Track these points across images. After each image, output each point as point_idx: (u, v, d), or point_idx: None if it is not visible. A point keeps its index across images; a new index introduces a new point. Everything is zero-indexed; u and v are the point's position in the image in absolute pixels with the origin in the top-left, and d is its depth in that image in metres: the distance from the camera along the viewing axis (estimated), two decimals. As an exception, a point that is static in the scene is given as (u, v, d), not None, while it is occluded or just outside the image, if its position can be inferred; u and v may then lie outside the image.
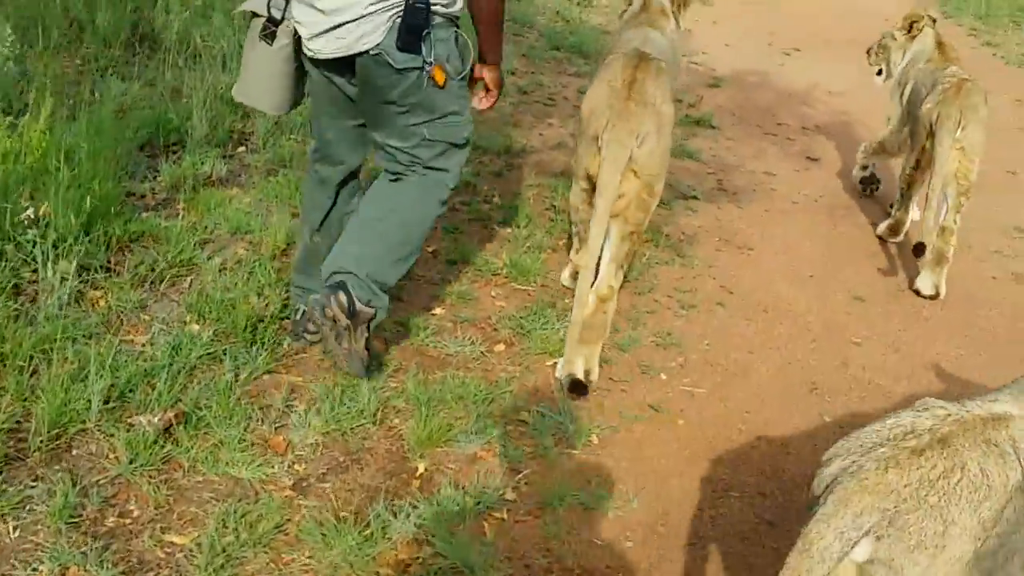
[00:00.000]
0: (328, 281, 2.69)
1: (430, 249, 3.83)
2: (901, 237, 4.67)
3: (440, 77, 2.63)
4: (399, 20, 2.55)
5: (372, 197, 2.83)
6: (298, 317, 3.03)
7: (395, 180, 2.81)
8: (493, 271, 3.84)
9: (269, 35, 2.68)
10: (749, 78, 7.39)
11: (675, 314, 3.80)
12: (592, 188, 3.15)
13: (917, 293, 4.25)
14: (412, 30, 2.55)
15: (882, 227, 4.74)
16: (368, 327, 2.73)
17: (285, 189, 4.00)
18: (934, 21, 4.75)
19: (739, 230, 4.65)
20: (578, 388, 3.11)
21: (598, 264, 3.21)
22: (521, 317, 3.53)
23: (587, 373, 3.15)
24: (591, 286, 3.16)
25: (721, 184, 5.20)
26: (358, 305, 2.66)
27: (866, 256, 4.60)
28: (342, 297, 2.64)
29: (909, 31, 4.78)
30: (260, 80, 2.79)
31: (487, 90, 2.90)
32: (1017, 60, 9.21)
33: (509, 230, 4.17)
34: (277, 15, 2.66)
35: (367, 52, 2.58)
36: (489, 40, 2.78)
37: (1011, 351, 3.93)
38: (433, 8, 2.59)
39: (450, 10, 2.66)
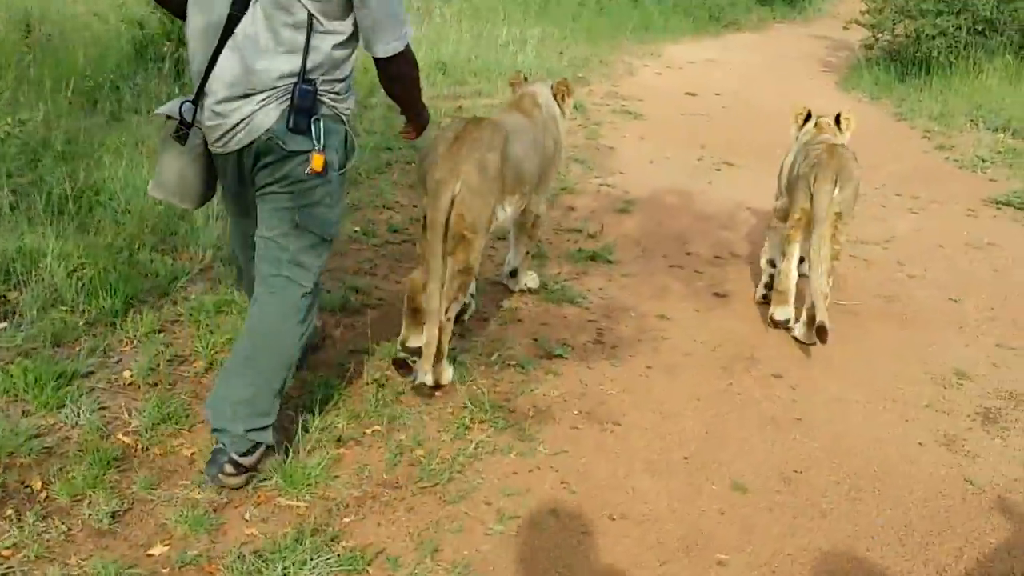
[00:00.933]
0: (215, 443, 2.94)
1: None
2: (791, 309, 4.60)
3: (319, 163, 2.78)
4: (288, 105, 2.73)
5: (246, 328, 3.01)
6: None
7: (260, 300, 2.95)
8: (258, 481, 3.00)
9: (181, 136, 2.86)
10: (667, 200, 6.68)
11: (486, 532, 2.93)
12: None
13: (823, 338, 4.26)
14: (301, 112, 2.73)
15: (774, 312, 4.64)
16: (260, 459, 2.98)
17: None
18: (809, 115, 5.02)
19: (608, 398, 3.83)
20: (403, 366, 3.55)
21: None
22: (263, 558, 2.67)
23: (437, 381, 3.60)
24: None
25: (600, 336, 4.40)
26: (245, 461, 2.92)
27: (760, 424, 3.76)
28: (228, 468, 2.89)
29: (799, 124, 5.02)
30: (173, 177, 2.93)
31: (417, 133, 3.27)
32: (971, 163, 8.53)
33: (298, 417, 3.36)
34: (188, 118, 2.84)
35: (260, 137, 2.77)
36: (412, 119, 3.22)
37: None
38: (320, 97, 2.78)
39: (339, 105, 2.86)
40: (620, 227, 5.99)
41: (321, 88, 2.77)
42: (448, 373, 3.64)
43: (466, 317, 4.21)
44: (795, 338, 4.50)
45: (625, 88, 10.72)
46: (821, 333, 4.21)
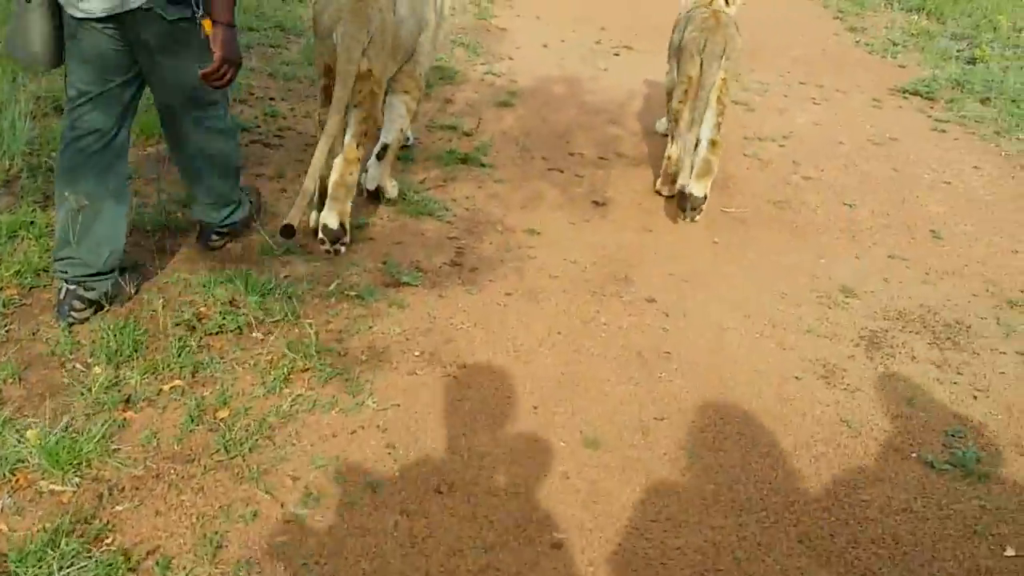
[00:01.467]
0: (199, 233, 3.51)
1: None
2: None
3: (209, 27, 2.83)
4: None
5: (175, 145, 3.30)
6: (62, 296, 3.06)
7: (180, 128, 3.19)
8: (16, 460, 2.52)
9: None
10: (555, 90, 6.14)
11: (284, 519, 2.52)
12: (330, 82, 3.60)
13: (686, 196, 4.35)
14: None
15: (660, 184, 4.75)
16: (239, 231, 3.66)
17: None
18: None
19: (456, 334, 3.40)
20: (289, 232, 3.40)
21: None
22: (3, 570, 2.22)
23: (341, 226, 3.73)
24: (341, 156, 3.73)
25: (460, 256, 3.94)
26: (212, 242, 3.61)
27: (623, 361, 3.39)
28: (213, 242, 3.60)
29: None
30: (20, 36, 2.90)
31: (220, 59, 2.89)
32: (882, 47, 8.12)
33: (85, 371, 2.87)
34: None
35: (139, 8, 2.77)
36: (218, 22, 2.87)
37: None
38: None
39: None
40: (500, 123, 5.47)
41: None
42: (347, 211, 3.80)
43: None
44: (657, 192, 4.71)
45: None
46: (682, 199, 4.35)
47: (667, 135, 4.83)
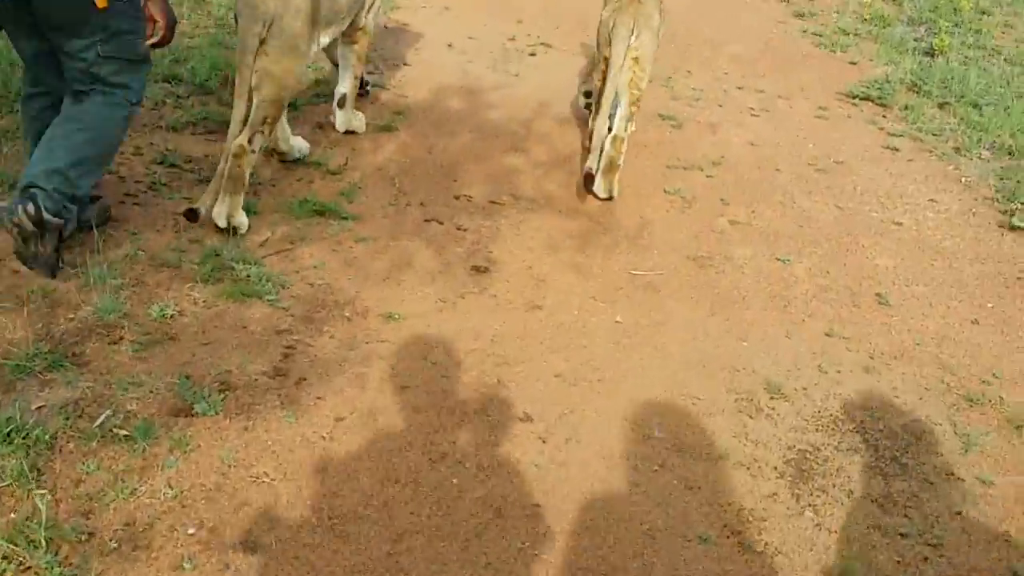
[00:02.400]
0: (21, 194, 3.05)
1: None
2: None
3: (102, 1, 2.91)
4: None
5: (62, 117, 3.15)
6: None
7: (79, 99, 3.15)
8: None
9: None
10: (450, 106, 5.26)
11: None
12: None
13: (593, 195, 4.36)
14: None
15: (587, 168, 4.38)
16: (60, 235, 3.13)
17: None
18: None
19: (254, 494, 2.58)
20: (193, 215, 3.51)
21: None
22: None
23: (230, 219, 3.62)
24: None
25: (286, 359, 3.12)
26: (45, 215, 3.04)
27: (464, 537, 2.59)
28: (30, 208, 3.01)
29: None
30: None
31: (155, 23, 3.04)
32: (831, 40, 7.29)
33: None
34: None
35: None
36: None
37: None
38: None
39: None
40: (376, 155, 4.59)
41: None
42: (243, 218, 3.70)
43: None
44: (591, 191, 4.40)
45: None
46: (588, 180, 4.30)
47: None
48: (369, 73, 5.36)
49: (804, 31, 7.49)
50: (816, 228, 4.44)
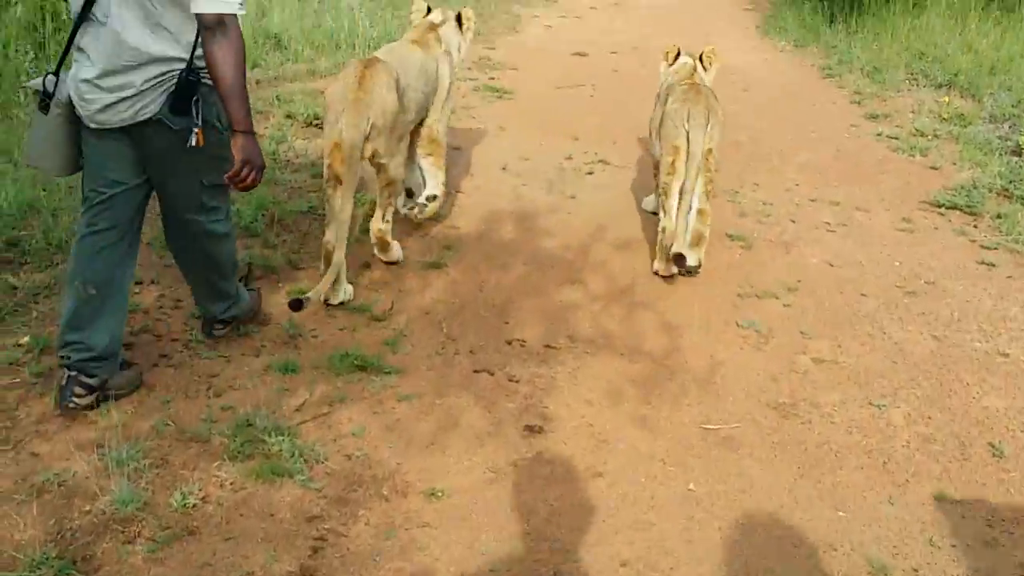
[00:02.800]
0: (203, 328, 3.74)
1: None
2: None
3: (201, 139, 3.02)
4: (171, 91, 2.97)
5: (180, 256, 3.53)
6: (63, 383, 3.19)
7: (183, 231, 3.38)
8: None
9: (44, 106, 3.07)
10: (503, 235, 5.01)
11: None
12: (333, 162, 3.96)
13: (682, 266, 4.42)
14: (183, 98, 2.97)
15: (657, 263, 4.58)
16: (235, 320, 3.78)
17: None
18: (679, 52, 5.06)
19: None
20: (298, 306, 3.71)
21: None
22: None
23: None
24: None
25: (314, 556, 2.77)
26: (224, 328, 3.77)
27: None
28: (216, 331, 3.76)
29: (670, 62, 5.06)
30: (38, 145, 3.17)
31: (240, 162, 3.00)
32: (909, 142, 6.88)
33: None
34: (50, 89, 3.05)
35: (149, 120, 3.00)
36: (231, 106, 2.95)
37: None
38: (203, 79, 2.99)
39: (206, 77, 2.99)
40: (423, 295, 4.31)
41: (198, 66, 2.98)
42: (397, 250, 4.46)
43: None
44: (656, 272, 4.57)
45: (501, 52, 8.91)
46: (679, 260, 4.36)
47: (655, 212, 4.83)
48: (419, 201, 5.13)
49: (879, 134, 7.10)
50: (912, 364, 3.98)
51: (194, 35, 2.94)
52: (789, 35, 10.18)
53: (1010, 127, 7.30)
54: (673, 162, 4.39)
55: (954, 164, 6.51)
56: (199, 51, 2.96)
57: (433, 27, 4.72)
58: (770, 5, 11.74)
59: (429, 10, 4.81)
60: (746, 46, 9.84)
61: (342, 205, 3.95)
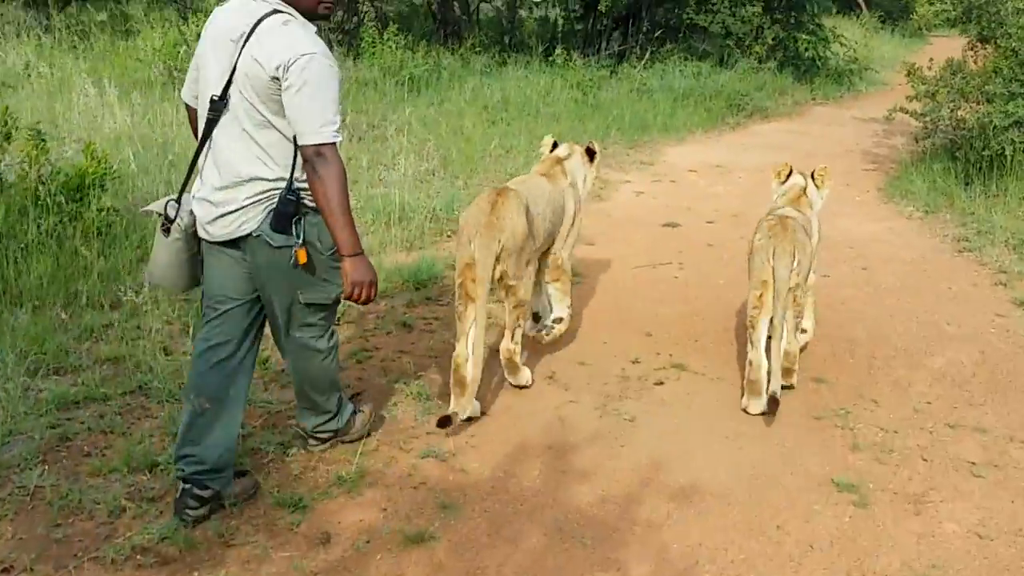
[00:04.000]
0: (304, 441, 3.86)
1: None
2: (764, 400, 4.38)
3: (303, 257, 3.19)
4: (273, 209, 3.16)
5: (283, 356, 3.69)
6: (179, 495, 3.35)
7: (287, 349, 3.55)
8: None
9: (165, 229, 3.31)
10: (525, 482, 3.83)
11: None
12: (466, 280, 4.19)
13: (774, 410, 4.31)
14: (283, 217, 3.16)
15: (745, 399, 4.51)
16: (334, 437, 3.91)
17: None
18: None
19: None
20: (447, 422, 4.00)
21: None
22: None
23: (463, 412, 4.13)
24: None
25: None
26: (322, 445, 3.89)
27: None
28: (311, 446, 3.86)
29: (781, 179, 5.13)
30: (160, 265, 3.40)
31: (350, 284, 3.22)
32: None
33: None
34: (171, 214, 3.29)
35: (250, 234, 3.19)
36: (335, 232, 3.15)
37: None
38: (303, 200, 3.19)
39: (309, 200, 3.21)
40: (393, 586, 3.10)
41: (301, 187, 3.17)
42: (526, 374, 4.62)
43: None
44: (744, 410, 4.45)
45: (585, 220, 7.84)
46: (772, 404, 4.29)
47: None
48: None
49: (1034, 327, 5.63)
50: None
51: (291, 157, 3.14)
52: (918, 200, 8.84)
53: None
54: (760, 295, 4.43)
55: None
56: (301, 174, 3.14)
57: (559, 160, 4.99)
58: (896, 165, 10.44)
59: (555, 145, 5.11)
60: (867, 213, 8.56)
61: (474, 321, 4.10)
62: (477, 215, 4.22)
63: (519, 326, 4.44)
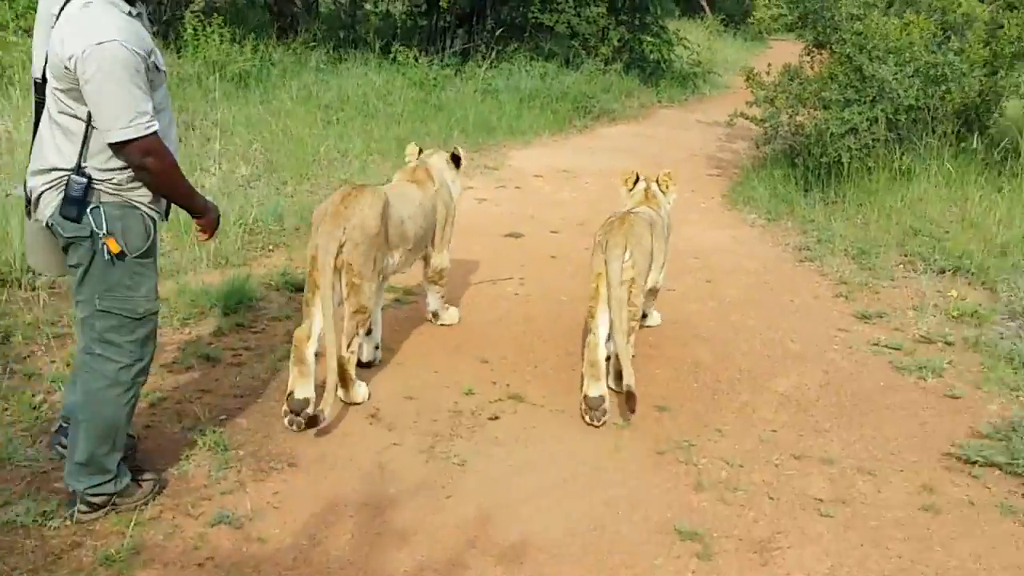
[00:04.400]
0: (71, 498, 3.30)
1: None
2: (603, 385, 4.42)
3: (114, 246, 3.00)
4: (63, 195, 2.98)
5: (75, 395, 3.27)
6: (54, 429, 3.55)
7: (81, 364, 3.20)
8: None
9: (28, 212, 3.15)
10: (328, 558, 3.25)
11: None
12: (314, 271, 4.13)
13: (598, 407, 4.29)
14: (71, 202, 2.96)
15: (588, 387, 4.40)
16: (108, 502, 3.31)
17: None
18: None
19: None
20: (314, 422, 3.97)
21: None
22: None
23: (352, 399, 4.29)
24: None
25: None
26: (97, 514, 3.28)
27: None
28: (83, 509, 3.26)
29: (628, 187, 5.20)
30: (29, 248, 3.27)
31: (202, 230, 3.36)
32: (915, 358, 5.31)
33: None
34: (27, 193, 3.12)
35: (47, 222, 3.06)
36: (180, 204, 3.24)
37: None
38: (97, 186, 2.99)
39: (125, 194, 3.06)
40: None
41: (98, 178, 2.98)
42: (362, 390, 4.37)
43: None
44: (609, 387, 4.45)
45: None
46: (630, 400, 4.28)
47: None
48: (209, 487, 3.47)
49: (875, 344, 5.53)
50: None
51: (83, 142, 2.96)
52: (760, 207, 8.79)
53: (1037, 324, 5.78)
54: (596, 287, 4.44)
55: (978, 388, 4.94)
56: (103, 161, 2.98)
57: (425, 166, 5.01)
58: (739, 170, 10.42)
59: (420, 151, 5.17)
60: (711, 220, 8.44)
61: (320, 308, 4.04)
62: (327, 206, 4.21)
63: (357, 334, 4.27)
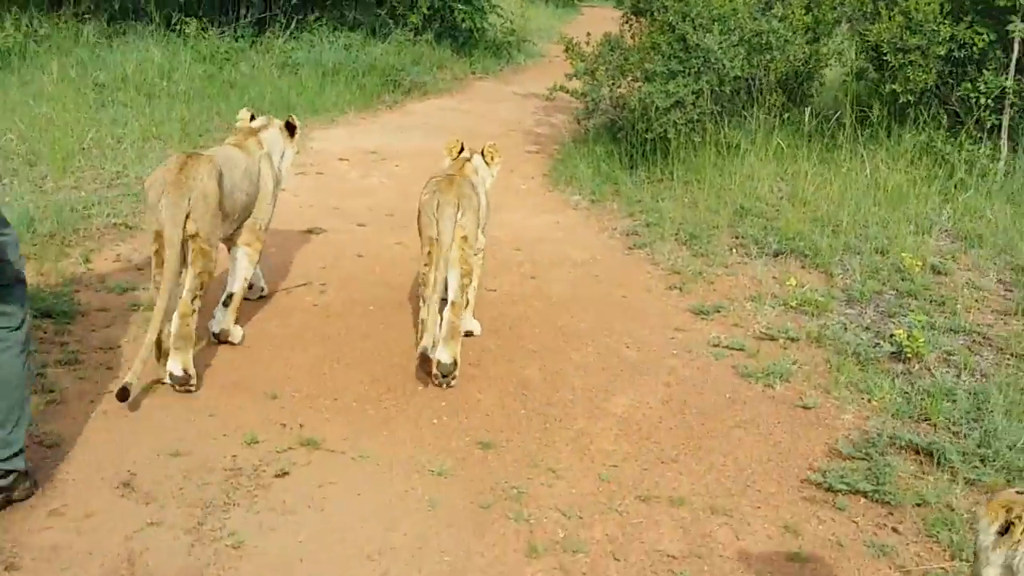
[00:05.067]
0: None
1: None
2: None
3: None
4: None
5: None
6: None
7: None
8: None
9: None
10: None
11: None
12: (161, 247, 4.03)
13: (430, 361, 4.21)
14: None
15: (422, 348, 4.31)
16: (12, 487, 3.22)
17: None
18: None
19: None
20: (125, 394, 3.83)
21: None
22: None
23: (184, 370, 4.09)
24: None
25: None
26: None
27: None
28: None
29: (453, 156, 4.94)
30: None
31: None
32: (758, 361, 4.82)
33: None
34: None
35: None
36: None
37: None
38: None
39: None
40: None
41: None
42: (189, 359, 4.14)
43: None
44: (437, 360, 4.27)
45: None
46: (424, 362, 4.25)
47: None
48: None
49: (715, 344, 5.02)
50: None
51: None
52: (583, 187, 8.21)
53: (875, 311, 5.44)
54: (429, 252, 4.33)
55: (828, 394, 4.49)
56: None
57: (254, 132, 4.85)
58: (559, 147, 9.82)
59: (253, 117, 4.97)
60: (533, 204, 7.79)
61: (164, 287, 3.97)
62: (163, 175, 4.09)
63: (199, 293, 4.20)
